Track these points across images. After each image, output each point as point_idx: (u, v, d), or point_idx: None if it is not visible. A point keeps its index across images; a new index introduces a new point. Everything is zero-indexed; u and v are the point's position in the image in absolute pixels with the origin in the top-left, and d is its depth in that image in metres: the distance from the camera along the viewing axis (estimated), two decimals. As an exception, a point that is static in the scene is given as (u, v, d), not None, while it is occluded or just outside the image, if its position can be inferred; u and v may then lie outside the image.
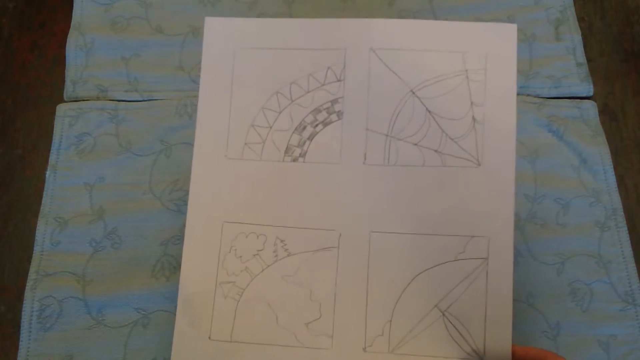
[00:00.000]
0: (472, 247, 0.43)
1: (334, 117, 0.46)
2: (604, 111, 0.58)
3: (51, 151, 0.55)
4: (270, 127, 0.46)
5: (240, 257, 0.45)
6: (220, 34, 0.47)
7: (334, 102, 0.46)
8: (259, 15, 0.60)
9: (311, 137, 0.46)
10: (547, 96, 0.57)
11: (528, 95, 0.57)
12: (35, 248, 0.52)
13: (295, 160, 0.45)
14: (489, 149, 0.44)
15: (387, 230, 0.44)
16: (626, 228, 0.53)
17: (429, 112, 0.45)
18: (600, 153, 0.55)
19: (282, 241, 0.45)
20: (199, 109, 0.46)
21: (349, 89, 0.46)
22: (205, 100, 0.46)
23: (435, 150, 0.45)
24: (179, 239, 0.52)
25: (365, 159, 0.45)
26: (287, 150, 0.46)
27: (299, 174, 0.45)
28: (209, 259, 0.45)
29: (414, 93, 0.45)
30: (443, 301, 0.43)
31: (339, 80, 0.46)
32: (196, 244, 0.45)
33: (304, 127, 0.46)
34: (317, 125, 0.46)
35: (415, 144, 0.45)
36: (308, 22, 0.47)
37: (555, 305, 0.50)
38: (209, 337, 0.44)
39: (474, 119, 0.44)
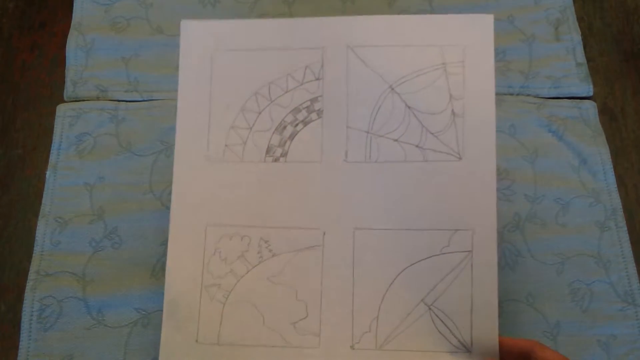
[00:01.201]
0: (456, 241, 0.44)
1: (313, 115, 0.46)
2: (603, 111, 0.58)
3: (51, 151, 0.55)
4: (251, 128, 0.46)
5: (225, 259, 0.45)
6: (197, 37, 0.47)
7: (313, 100, 0.46)
8: (259, 16, 0.60)
9: (292, 137, 0.46)
10: (547, 96, 0.57)
11: (528, 95, 0.57)
12: (35, 248, 0.52)
13: (276, 160, 0.46)
14: (470, 142, 0.44)
15: (371, 226, 0.44)
16: (626, 228, 0.53)
17: (409, 107, 0.45)
18: (600, 153, 0.55)
19: (266, 242, 0.45)
20: (178, 113, 0.46)
21: (328, 87, 0.46)
22: (183, 104, 0.46)
23: (416, 146, 0.45)
24: (179, 238, 0.52)
25: (346, 156, 0.45)
26: (268, 150, 0.46)
27: (280, 174, 0.45)
28: (193, 262, 0.45)
29: (393, 89, 0.45)
30: (429, 295, 0.43)
31: (317, 79, 0.46)
32: (180, 248, 0.45)
33: (284, 127, 0.46)
34: (297, 125, 0.46)
35: (396, 140, 0.45)
36: (284, 22, 0.48)
37: (555, 305, 0.50)
38: (196, 341, 0.44)
39: (453, 112, 0.45)
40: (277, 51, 0.47)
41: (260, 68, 0.46)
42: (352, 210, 0.45)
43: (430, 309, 0.44)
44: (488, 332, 0.42)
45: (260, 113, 0.46)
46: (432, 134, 0.45)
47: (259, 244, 0.45)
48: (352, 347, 0.43)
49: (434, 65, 0.45)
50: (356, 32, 0.46)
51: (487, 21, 0.46)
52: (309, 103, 0.46)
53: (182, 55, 0.47)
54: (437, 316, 0.43)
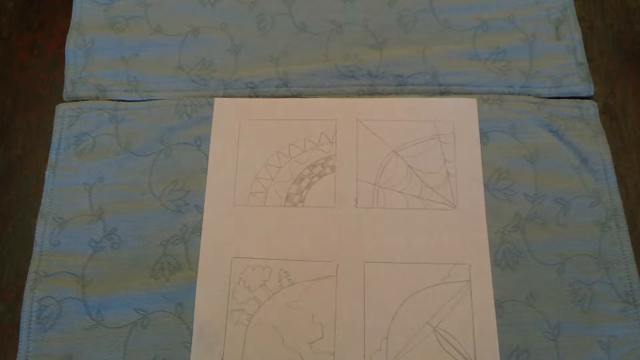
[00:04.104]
0: (455, 272, 0.51)
1: (327, 170, 0.54)
2: (604, 111, 0.58)
3: (50, 151, 0.55)
4: (272, 179, 0.54)
5: (249, 287, 0.51)
6: (228, 111, 0.56)
7: (327, 158, 0.55)
8: (259, 16, 0.60)
9: (308, 187, 0.54)
10: (548, 96, 0.57)
11: (528, 95, 0.57)
12: (34, 248, 0.52)
13: (295, 205, 0.53)
14: (462, 195, 0.53)
15: (379, 260, 0.51)
16: (626, 228, 0.52)
17: (410, 167, 0.54)
18: (600, 153, 0.55)
19: (285, 272, 0.51)
20: (208, 171, 0.54)
21: (340, 149, 0.55)
22: (213, 164, 0.54)
23: (417, 197, 0.53)
24: (178, 239, 0.52)
25: (356, 203, 0.53)
26: (288, 197, 0.53)
27: (298, 216, 0.53)
28: (220, 290, 0.50)
29: (396, 152, 0.54)
30: (434, 318, 0.49)
31: (331, 142, 0.55)
32: (208, 278, 0.51)
33: (302, 179, 0.54)
34: (313, 177, 0.54)
35: (400, 192, 0.53)
36: (303, 101, 0.57)
37: (555, 306, 0.50)
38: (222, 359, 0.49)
39: (447, 172, 0.54)
40: (297, 121, 0.56)
41: (282, 133, 0.55)
42: (362, 247, 0.52)
43: (435, 330, 0.49)
44: (490, 348, 0.48)
45: (280, 168, 0.54)
46: (430, 188, 0.53)
47: (279, 274, 0.51)
48: None
49: (430, 136, 0.55)
50: (364, 110, 0.56)
51: (471, 104, 0.56)
52: (323, 160, 0.54)
53: (215, 124, 0.56)
54: (442, 336, 0.49)
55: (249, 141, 0.55)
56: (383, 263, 0.51)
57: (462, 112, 0.56)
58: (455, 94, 0.57)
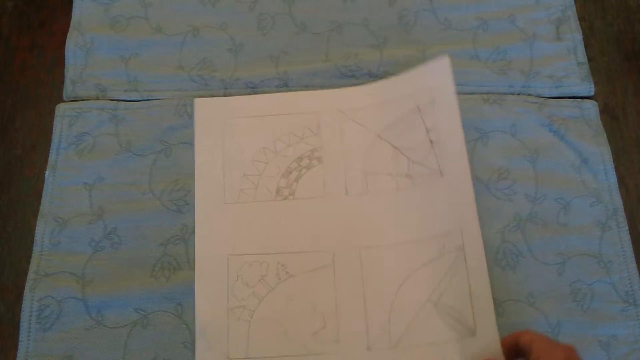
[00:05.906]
0: (449, 242, 0.49)
1: (315, 162, 0.54)
2: (605, 111, 0.58)
3: (50, 151, 0.55)
4: (261, 175, 0.54)
5: (247, 283, 0.50)
6: (210, 111, 0.56)
7: (313, 150, 0.54)
8: (259, 15, 0.60)
9: (297, 179, 0.53)
10: (548, 96, 0.57)
11: (529, 95, 0.57)
12: (34, 248, 0.52)
13: (285, 198, 0.53)
14: (447, 160, 0.51)
15: (375, 244, 0.51)
16: (627, 228, 0.52)
17: (395, 147, 0.53)
18: (601, 153, 0.55)
19: (282, 265, 0.51)
20: (196, 172, 0.54)
21: (325, 140, 0.55)
22: (200, 164, 0.54)
23: (406, 175, 0.52)
24: (178, 239, 0.52)
25: (347, 191, 0.53)
26: (278, 191, 0.53)
27: (290, 208, 0.52)
28: (218, 289, 0.50)
29: (380, 136, 0.54)
30: (434, 293, 0.48)
31: (315, 134, 0.55)
32: (206, 278, 0.50)
33: (290, 172, 0.54)
34: (301, 170, 0.54)
35: (388, 174, 0.53)
36: (284, 95, 0.56)
37: (555, 305, 0.50)
38: (228, 357, 0.48)
39: (431, 141, 0.52)
40: (280, 116, 0.55)
41: (266, 129, 0.55)
42: (356, 233, 0.51)
43: (436, 305, 0.48)
44: (487, 313, 0.46)
45: (268, 163, 0.54)
46: (417, 162, 0.52)
47: (277, 267, 0.51)
48: (368, 349, 0.48)
49: (410, 110, 0.54)
50: (344, 99, 0.56)
51: (444, 62, 0.53)
52: (310, 152, 0.54)
53: (197, 125, 0.55)
54: (443, 310, 0.48)
55: (233, 139, 0.55)
56: (379, 247, 0.51)
57: (437, 75, 0.53)
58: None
